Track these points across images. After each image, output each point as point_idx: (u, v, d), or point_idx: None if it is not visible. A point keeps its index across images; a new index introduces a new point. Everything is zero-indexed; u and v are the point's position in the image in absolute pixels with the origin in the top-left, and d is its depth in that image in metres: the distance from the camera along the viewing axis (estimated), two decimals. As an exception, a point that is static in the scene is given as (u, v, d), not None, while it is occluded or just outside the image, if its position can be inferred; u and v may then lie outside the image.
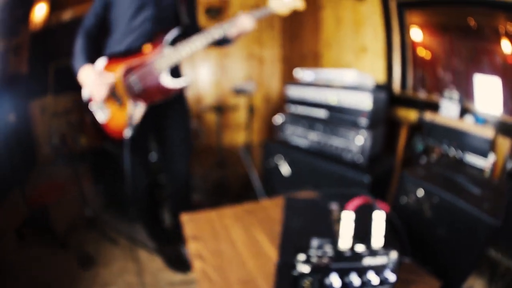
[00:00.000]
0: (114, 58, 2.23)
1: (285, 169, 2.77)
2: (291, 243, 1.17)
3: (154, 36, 2.25)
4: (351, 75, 2.44)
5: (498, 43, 2.70)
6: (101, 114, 2.21)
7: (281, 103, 5.50)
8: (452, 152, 2.77)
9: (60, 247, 3.00)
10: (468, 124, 2.68)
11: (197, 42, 2.22)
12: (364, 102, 2.28)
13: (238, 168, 4.36)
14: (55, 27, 4.50)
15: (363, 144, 2.26)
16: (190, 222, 1.60)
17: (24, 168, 4.28)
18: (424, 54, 3.49)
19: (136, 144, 2.24)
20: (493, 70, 2.80)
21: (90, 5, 2.31)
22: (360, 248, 0.98)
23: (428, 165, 2.09)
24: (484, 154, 2.55)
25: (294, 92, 2.83)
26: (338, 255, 0.96)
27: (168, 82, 2.24)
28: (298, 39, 5.15)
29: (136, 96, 2.21)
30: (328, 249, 0.97)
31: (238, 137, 5.53)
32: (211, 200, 3.84)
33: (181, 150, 2.61)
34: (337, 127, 2.42)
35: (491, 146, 2.53)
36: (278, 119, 2.88)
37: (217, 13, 5.24)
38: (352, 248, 0.98)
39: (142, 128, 2.27)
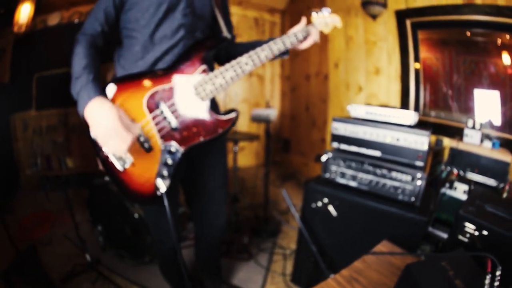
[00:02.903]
0: (131, 82, 1.23)
1: (331, 210, 1.94)
2: None
3: (190, 50, 1.28)
4: (407, 114, 1.88)
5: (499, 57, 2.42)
6: (120, 161, 1.20)
7: (282, 124, 4.58)
8: (473, 177, 2.25)
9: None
10: (488, 150, 2.25)
11: (258, 57, 1.35)
12: (421, 142, 1.80)
13: (250, 200, 3.41)
14: (41, 32, 3.31)
15: (420, 185, 1.75)
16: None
17: (5, 192, 3.07)
18: (433, 76, 2.85)
19: (167, 196, 1.26)
20: (494, 85, 2.49)
21: (80, 8, 1.33)
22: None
23: (473, 200, 1.57)
24: (503, 177, 2.14)
25: (341, 128, 2.05)
26: None
27: (215, 115, 1.29)
28: (300, 58, 4.26)
29: (171, 136, 1.24)
30: None
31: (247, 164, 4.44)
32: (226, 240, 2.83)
33: (220, 199, 1.67)
34: (391, 167, 1.86)
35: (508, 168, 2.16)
36: (324, 156, 2.02)
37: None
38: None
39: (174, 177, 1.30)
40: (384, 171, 1.85)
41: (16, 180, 3.28)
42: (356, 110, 2.05)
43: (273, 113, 2.56)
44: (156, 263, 2.25)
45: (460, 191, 2.19)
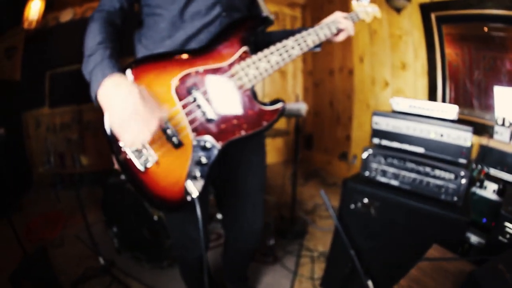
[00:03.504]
0: (156, 63, 0.98)
1: (371, 211, 1.72)
2: None
3: (228, 29, 1.04)
4: (450, 108, 1.69)
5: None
6: (141, 159, 0.95)
7: (305, 120, 4.33)
8: (503, 176, 1.96)
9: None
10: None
11: (304, 41, 1.12)
12: (464, 138, 1.61)
13: (275, 199, 3.09)
14: (53, 29, 3.08)
15: (464, 184, 1.55)
16: None
17: (16, 191, 2.85)
18: (454, 72, 2.63)
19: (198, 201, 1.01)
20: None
21: (94, 3, 1.09)
22: None
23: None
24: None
25: (383, 122, 1.81)
26: None
27: (258, 105, 1.04)
28: (323, 52, 3.86)
29: (205, 129, 0.99)
30: None
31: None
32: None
33: (257, 203, 1.41)
34: (435, 165, 1.63)
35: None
36: (364, 154, 1.78)
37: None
38: None
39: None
40: (428, 169, 1.63)
41: (28, 178, 3.05)
42: (399, 103, 1.80)
43: (303, 107, 2.30)
44: (176, 267, 2.00)
45: (489, 191, 1.95)
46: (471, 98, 2.57)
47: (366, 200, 1.73)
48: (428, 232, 1.55)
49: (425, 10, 2.65)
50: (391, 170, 1.73)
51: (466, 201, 1.63)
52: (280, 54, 1.06)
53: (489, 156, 2.09)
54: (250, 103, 1.02)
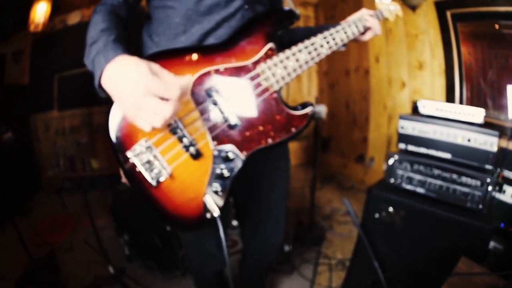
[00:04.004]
0: (170, 60, 0.82)
1: (397, 220, 1.57)
2: None
3: (251, 24, 0.88)
4: (477, 111, 1.55)
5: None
6: (153, 172, 0.79)
7: (324, 123, 4.10)
8: None
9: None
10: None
11: (333, 39, 0.98)
12: (490, 143, 1.47)
13: (291, 204, 2.86)
14: (60, 32, 2.95)
15: (490, 191, 1.43)
16: None
17: (24, 194, 2.72)
18: (470, 70, 2.46)
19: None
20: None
21: None
22: None
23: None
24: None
25: (409, 127, 1.66)
26: None
27: (286, 109, 0.88)
28: (338, 52, 3.61)
29: (227, 137, 0.83)
30: None
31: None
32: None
33: (279, 214, 1.24)
34: (462, 171, 1.50)
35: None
36: (390, 160, 1.62)
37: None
38: None
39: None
40: (454, 176, 1.48)
41: (37, 181, 2.92)
42: (425, 106, 1.63)
43: (323, 109, 2.15)
44: (189, 277, 1.86)
45: (508, 195, 1.81)
46: (485, 98, 2.40)
47: (391, 209, 1.57)
48: (452, 241, 1.42)
49: (440, 8, 2.49)
50: (418, 177, 1.58)
51: (489, 208, 1.50)
52: (309, 52, 0.91)
53: (508, 158, 1.93)
54: (278, 107, 0.86)
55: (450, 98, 2.47)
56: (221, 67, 0.82)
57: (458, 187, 1.48)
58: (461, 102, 2.47)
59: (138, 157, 0.77)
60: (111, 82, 0.67)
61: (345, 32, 1.03)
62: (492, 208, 1.79)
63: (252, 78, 0.84)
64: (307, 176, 3.38)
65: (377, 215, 1.60)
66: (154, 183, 0.79)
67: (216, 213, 0.81)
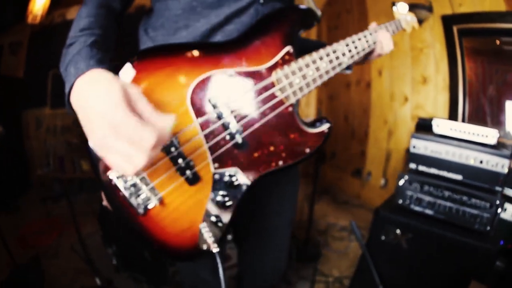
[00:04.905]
0: (167, 58, 0.63)
1: (403, 243, 1.43)
2: None
3: (267, 21, 0.70)
4: (491, 132, 1.45)
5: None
6: (140, 197, 0.61)
7: None
8: None
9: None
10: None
11: (355, 47, 0.82)
12: (501, 165, 1.39)
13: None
14: (59, 26, 2.74)
15: (499, 213, 1.38)
16: None
17: (12, 192, 2.50)
18: (471, 85, 2.34)
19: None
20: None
21: None
22: None
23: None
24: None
25: (421, 146, 1.52)
26: None
27: (301, 126, 0.70)
28: None
29: (232, 159, 0.65)
30: None
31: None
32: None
33: (283, 241, 1.05)
34: (472, 193, 1.41)
35: None
36: (401, 181, 1.47)
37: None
38: None
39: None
40: (465, 198, 1.40)
41: (26, 179, 2.69)
42: (440, 125, 1.49)
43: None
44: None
45: (509, 213, 1.70)
46: (485, 114, 2.28)
47: (398, 231, 1.41)
48: (459, 263, 1.35)
49: (447, 22, 2.35)
50: (427, 198, 1.45)
51: (496, 229, 1.43)
52: (331, 61, 0.74)
53: (509, 176, 1.82)
54: (293, 123, 0.69)
55: (453, 114, 2.33)
56: (230, 71, 0.64)
57: (468, 209, 1.39)
58: (463, 118, 2.34)
59: (122, 179, 0.60)
60: (78, 103, 0.51)
61: (367, 41, 0.86)
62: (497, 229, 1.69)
63: (266, 88, 0.66)
64: (302, 189, 3.18)
65: (383, 237, 1.44)
66: (141, 210, 0.62)
67: (215, 249, 0.64)
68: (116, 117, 0.45)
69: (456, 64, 2.33)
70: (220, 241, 0.68)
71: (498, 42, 2.20)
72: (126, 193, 0.60)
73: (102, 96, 0.46)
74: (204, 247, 0.66)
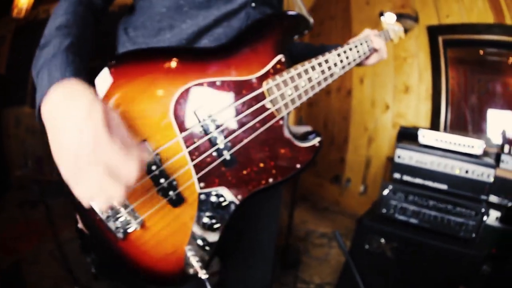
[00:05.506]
0: (147, 64, 0.55)
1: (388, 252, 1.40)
2: None
3: (259, 26, 0.63)
4: (477, 142, 1.46)
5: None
6: (118, 221, 0.54)
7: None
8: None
9: None
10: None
11: (346, 57, 0.77)
12: (487, 174, 1.41)
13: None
14: (44, 22, 2.57)
15: (484, 221, 1.39)
16: None
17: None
18: (453, 94, 2.36)
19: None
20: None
21: None
22: None
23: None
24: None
25: (406, 156, 1.51)
26: None
27: (292, 140, 0.64)
28: None
29: (219, 177, 0.58)
30: None
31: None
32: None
33: (269, 256, 0.98)
34: (458, 202, 1.41)
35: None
36: (385, 191, 1.45)
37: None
38: None
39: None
40: (450, 207, 1.40)
41: (4, 180, 2.51)
42: (425, 136, 1.48)
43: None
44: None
45: (492, 218, 1.71)
46: (467, 122, 2.32)
47: (383, 240, 1.37)
48: (445, 270, 1.34)
49: (433, 33, 2.35)
50: (412, 207, 1.43)
51: (481, 236, 1.43)
52: (323, 71, 0.69)
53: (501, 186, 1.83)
54: (283, 138, 0.63)
55: (435, 123, 2.33)
56: (217, 80, 0.57)
57: (453, 218, 1.39)
58: (445, 128, 2.34)
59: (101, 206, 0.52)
60: (50, 117, 0.42)
61: (358, 51, 0.81)
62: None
63: (257, 99, 0.60)
64: (287, 199, 3.09)
65: (367, 246, 1.41)
66: (120, 235, 0.54)
67: (204, 275, 0.56)
68: (99, 142, 0.38)
69: (439, 74, 2.34)
70: (208, 265, 0.61)
71: (481, 52, 2.24)
72: (103, 216, 0.53)
73: (81, 113, 0.39)
74: (191, 271, 0.59)
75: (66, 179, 0.40)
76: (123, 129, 0.43)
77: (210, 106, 0.56)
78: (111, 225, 0.53)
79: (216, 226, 0.57)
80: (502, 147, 1.81)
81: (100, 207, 0.46)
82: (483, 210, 1.34)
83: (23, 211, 2.30)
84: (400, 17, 2.30)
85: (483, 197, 1.40)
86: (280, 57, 0.63)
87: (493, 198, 1.58)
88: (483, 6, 2.07)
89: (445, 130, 2.33)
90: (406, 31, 1.95)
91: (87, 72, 0.51)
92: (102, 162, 0.38)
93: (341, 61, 0.74)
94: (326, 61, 0.70)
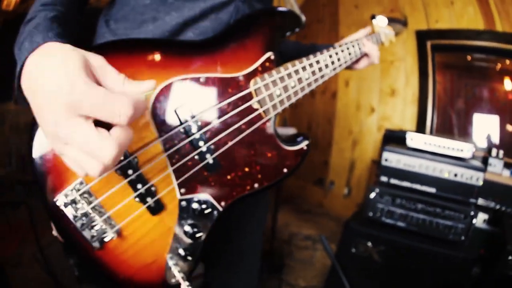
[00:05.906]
0: (126, 56, 0.49)
1: (374, 256, 1.38)
2: None
3: (248, 22, 0.58)
4: (466, 146, 1.43)
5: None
6: (93, 229, 0.48)
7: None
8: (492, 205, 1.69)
9: None
10: (508, 178, 1.72)
11: (334, 62, 0.72)
12: (476, 178, 1.39)
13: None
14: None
15: (474, 224, 1.36)
16: None
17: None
18: (439, 99, 2.36)
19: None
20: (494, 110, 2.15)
21: None
22: None
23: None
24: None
25: (393, 159, 1.48)
26: None
27: (279, 143, 0.59)
28: None
29: (201, 182, 0.53)
30: None
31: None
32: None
33: (254, 266, 0.92)
34: (446, 205, 1.39)
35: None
36: (372, 194, 1.42)
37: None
38: None
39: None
40: (438, 210, 1.38)
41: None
42: (414, 139, 1.46)
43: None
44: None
45: (480, 221, 1.71)
46: (453, 126, 2.33)
47: (369, 244, 1.34)
48: (434, 273, 1.32)
49: (421, 38, 2.35)
50: (399, 211, 1.41)
51: (470, 238, 1.42)
52: (313, 72, 0.64)
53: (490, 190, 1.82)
54: (270, 141, 0.58)
55: (421, 126, 2.33)
56: (201, 76, 0.52)
57: (441, 221, 1.37)
58: (431, 131, 2.34)
59: (71, 207, 0.46)
60: (28, 84, 0.37)
61: (349, 53, 0.78)
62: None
63: (243, 99, 0.55)
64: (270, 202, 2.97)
65: (353, 250, 1.37)
66: (96, 244, 0.49)
67: (186, 286, 0.51)
68: (75, 91, 0.32)
69: (427, 78, 2.33)
70: (190, 275, 0.56)
71: (469, 58, 2.19)
72: (77, 224, 0.47)
73: (55, 69, 0.34)
74: (173, 281, 0.54)
75: (54, 147, 0.36)
76: (113, 71, 0.38)
77: (193, 105, 0.51)
78: (86, 234, 0.48)
79: (198, 235, 0.52)
80: (489, 150, 1.83)
81: (92, 175, 0.38)
82: (472, 213, 1.33)
83: (5, 212, 2.19)
84: (389, 21, 2.27)
85: (472, 200, 1.40)
86: (270, 54, 0.58)
87: (481, 201, 1.58)
88: (473, 12, 2.07)
89: (431, 133, 2.33)
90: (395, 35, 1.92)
91: (71, 40, 0.45)
92: (81, 113, 0.33)
93: (333, 62, 0.70)
94: (318, 62, 0.66)
